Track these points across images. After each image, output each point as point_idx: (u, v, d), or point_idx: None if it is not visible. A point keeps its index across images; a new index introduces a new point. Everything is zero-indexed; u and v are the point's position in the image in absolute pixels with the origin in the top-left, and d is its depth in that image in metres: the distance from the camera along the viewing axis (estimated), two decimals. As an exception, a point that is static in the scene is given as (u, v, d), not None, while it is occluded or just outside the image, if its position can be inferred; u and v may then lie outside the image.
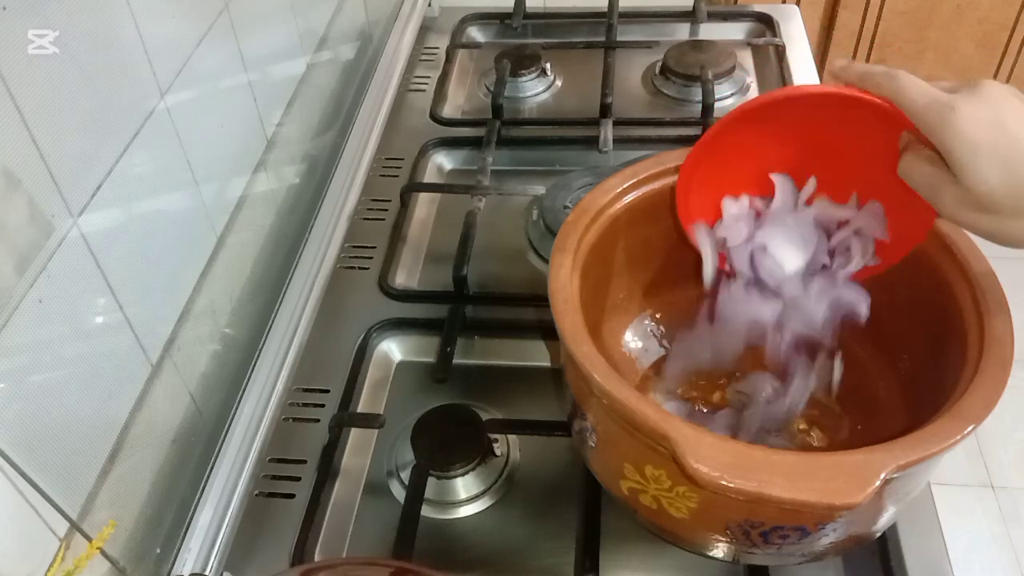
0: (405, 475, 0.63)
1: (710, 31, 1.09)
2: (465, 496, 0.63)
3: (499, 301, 0.77)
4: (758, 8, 1.10)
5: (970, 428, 0.44)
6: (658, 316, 0.68)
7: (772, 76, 1.00)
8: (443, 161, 0.95)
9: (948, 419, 0.44)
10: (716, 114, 0.91)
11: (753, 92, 0.99)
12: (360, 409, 0.70)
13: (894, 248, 0.55)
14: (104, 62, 0.53)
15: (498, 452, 0.64)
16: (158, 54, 0.59)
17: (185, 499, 0.63)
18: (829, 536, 0.47)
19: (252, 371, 0.69)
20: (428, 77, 1.06)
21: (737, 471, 0.42)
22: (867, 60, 1.82)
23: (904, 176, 0.48)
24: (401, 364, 0.74)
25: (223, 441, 0.65)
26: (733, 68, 0.99)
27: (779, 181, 0.58)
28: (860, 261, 0.57)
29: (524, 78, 1.01)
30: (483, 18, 1.15)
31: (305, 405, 0.69)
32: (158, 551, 0.60)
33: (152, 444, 0.60)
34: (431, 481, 0.62)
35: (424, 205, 0.89)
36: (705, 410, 0.63)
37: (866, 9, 1.75)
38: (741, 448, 0.44)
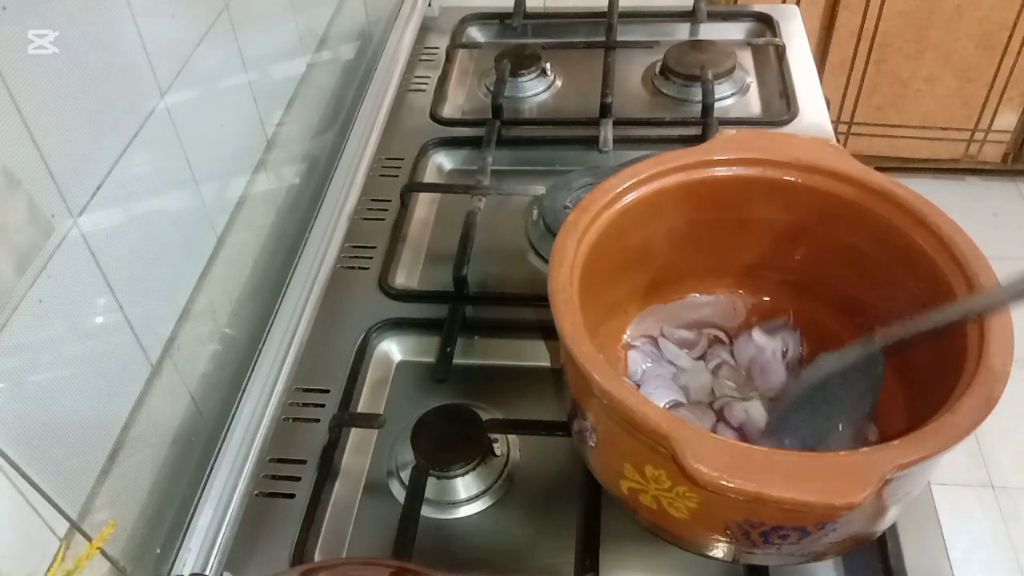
0: (405, 475, 0.63)
1: (710, 31, 1.09)
2: (465, 496, 0.63)
3: (499, 301, 0.77)
4: (758, 8, 1.10)
5: (970, 428, 0.44)
6: (658, 316, 0.68)
7: (772, 76, 1.00)
8: (443, 161, 0.95)
9: (948, 419, 0.44)
10: (716, 114, 0.92)
11: (753, 92, 0.99)
12: (360, 409, 0.70)
13: None
14: (104, 62, 0.53)
15: (498, 452, 0.64)
16: (158, 54, 0.59)
17: (185, 499, 0.63)
18: (829, 536, 0.47)
19: (252, 371, 0.69)
20: (428, 77, 1.06)
21: (737, 471, 0.42)
22: (867, 60, 1.82)
23: None
24: (401, 364, 0.74)
25: (223, 441, 0.65)
26: (733, 68, 0.99)
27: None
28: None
29: (524, 78, 1.01)
30: (483, 18, 1.15)
31: (305, 405, 0.69)
32: (158, 551, 0.60)
33: (152, 444, 0.60)
34: (431, 481, 0.62)
35: (424, 205, 0.89)
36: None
37: (866, 9, 1.75)
38: (741, 448, 0.44)
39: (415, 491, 0.61)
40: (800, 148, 0.61)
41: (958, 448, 0.43)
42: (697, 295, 0.68)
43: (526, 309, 0.74)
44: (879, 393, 0.55)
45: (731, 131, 0.63)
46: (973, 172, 2.02)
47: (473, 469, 0.63)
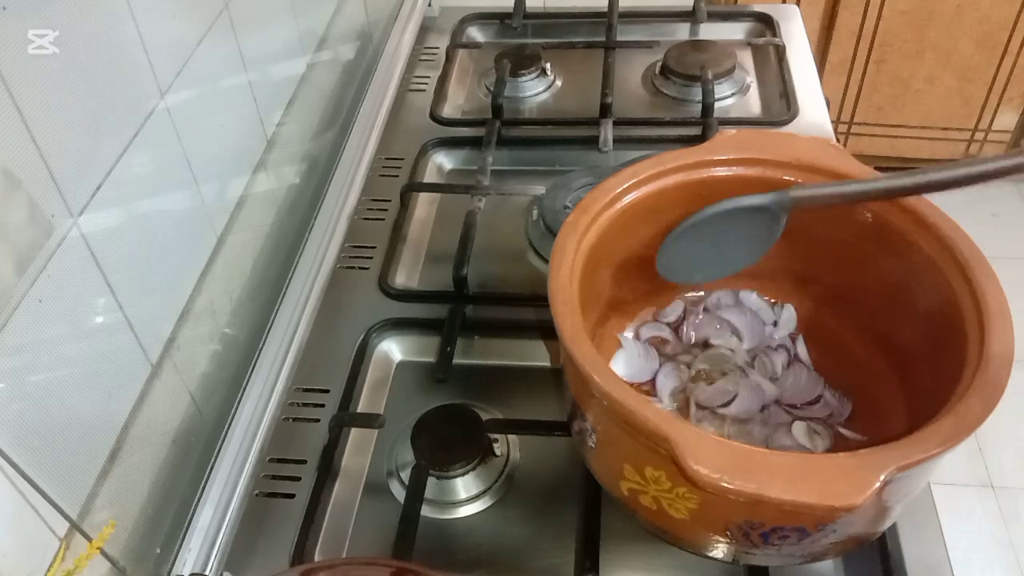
0: (405, 475, 0.63)
1: (710, 31, 1.09)
2: (465, 496, 0.63)
3: (499, 301, 0.77)
4: (758, 8, 1.10)
5: (970, 429, 0.44)
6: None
7: (772, 76, 1.00)
8: (443, 161, 0.95)
9: (948, 419, 0.44)
10: (716, 114, 0.92)
11: (753, 92, 0.99)
12: (360, 409, 0.70)
13: None
14: (104, 62, 0.53)
15: (498, 452, 0.64)
16: (158, 54, 0.59)
17: (185, 499, 0.63)
18: (829, 537, 0.47)
19: (252, 371, 0.69)
20: (428, 77, 1.05)
21: (737, 472, 0.42)
22: (867, 60, 1.82)
23: None
24: (401, 364, 0.74)
25: (223, 441, 0.65)
26: (733, 68, 0.99)
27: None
28: None
29: (524, 78, 1.01)
30: (483, 18, 1.15)
31: (305, 405, 0.69)
32: (158, 551, 0.60)
33: (152, 444, 0.60)
34: (431, 481, 0.62)
35: (424, 205, 0.89)
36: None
37: (866, 9, 1.74)
38: (741, 449, 0.44)
39: (415, 491, 0.61)
40: (800, 148, 0.61)
41: (958, 448, 0.43)
42: (696, 295, 0.68)
43: (526, 309, 0.74)
44: (769, 248, 0.58)
45: (731, 131, 0.63)
46: (973, 172, 2.02)
47: (473, 469, 0.63)
